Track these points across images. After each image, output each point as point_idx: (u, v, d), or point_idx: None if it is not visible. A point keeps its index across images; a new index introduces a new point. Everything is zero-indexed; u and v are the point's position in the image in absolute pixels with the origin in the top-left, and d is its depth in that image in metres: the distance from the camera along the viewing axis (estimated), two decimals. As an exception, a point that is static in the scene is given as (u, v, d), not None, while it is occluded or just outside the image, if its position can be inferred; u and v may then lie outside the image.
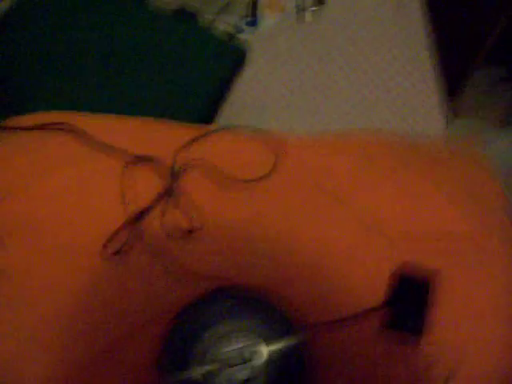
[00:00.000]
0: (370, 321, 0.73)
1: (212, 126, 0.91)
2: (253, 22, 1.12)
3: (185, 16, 1.11)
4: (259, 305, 0.70)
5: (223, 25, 1.10)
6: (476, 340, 0.73)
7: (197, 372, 0.66)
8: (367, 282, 0.76)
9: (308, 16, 1.11)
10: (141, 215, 0.77)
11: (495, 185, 0.86)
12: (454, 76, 1.43)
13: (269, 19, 1.10)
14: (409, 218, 0.82)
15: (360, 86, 1.07)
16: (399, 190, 0.84)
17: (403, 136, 0.98)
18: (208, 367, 0.66)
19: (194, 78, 0.99)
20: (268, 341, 0.67)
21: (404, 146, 0.93)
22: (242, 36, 1.10)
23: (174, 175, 0.80)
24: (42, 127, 0.84)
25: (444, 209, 0.83)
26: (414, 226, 0.81)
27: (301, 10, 1.12)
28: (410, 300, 0.73)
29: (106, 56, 1.03)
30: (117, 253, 0.74)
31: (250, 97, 1.04)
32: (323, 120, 1.03)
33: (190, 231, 0.76)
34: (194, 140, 0.84)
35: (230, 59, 1.03)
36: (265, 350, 0.67)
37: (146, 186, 0.80)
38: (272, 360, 0.67)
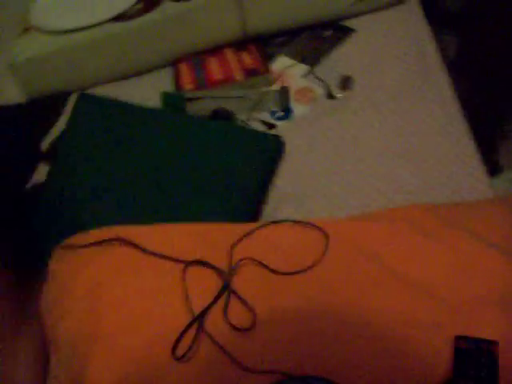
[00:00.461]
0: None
1: (259, 222, 0.95)
2: (286, 115, 1.19)
3: (222, 116, 1.18)
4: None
5: (258, 120, 1.17)
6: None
7: None
8: (430, 352, 0.75)
9: (338, 98, 1.17)
10: (204, 313, 0.80)
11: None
12: (489, 131, 1.44)
13: (300, 109, 1.17)
14: (465, 280, 0.81)
15: (396, 158, 1.09)
16: (451, 253, 0.84)
17: (447, 200, 0.99)
18: None
19: (238, 175, 1.04)
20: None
21: (449, 207, 0.94)
22: (278, 127, 1.16)
23: (231, 272, 0.84)
24: (100, 243, 0.90)
25: (498, 266, 0.81)
26: (471, 288, 0.80)
27: (329, 95, 1.18)
28: (477, 378, 0.70)
29: (150, 165, 1.08)
30: (186, 352, 0.77)
31: (291, 184, 1.07)
32: (364, 198, 1.04)
33: (251, 324, 0.79)
34: (244, 236, 0.89)
35: (269, 152, 1.08)
36: None
37: (205, 284, 0.83)
38: None
